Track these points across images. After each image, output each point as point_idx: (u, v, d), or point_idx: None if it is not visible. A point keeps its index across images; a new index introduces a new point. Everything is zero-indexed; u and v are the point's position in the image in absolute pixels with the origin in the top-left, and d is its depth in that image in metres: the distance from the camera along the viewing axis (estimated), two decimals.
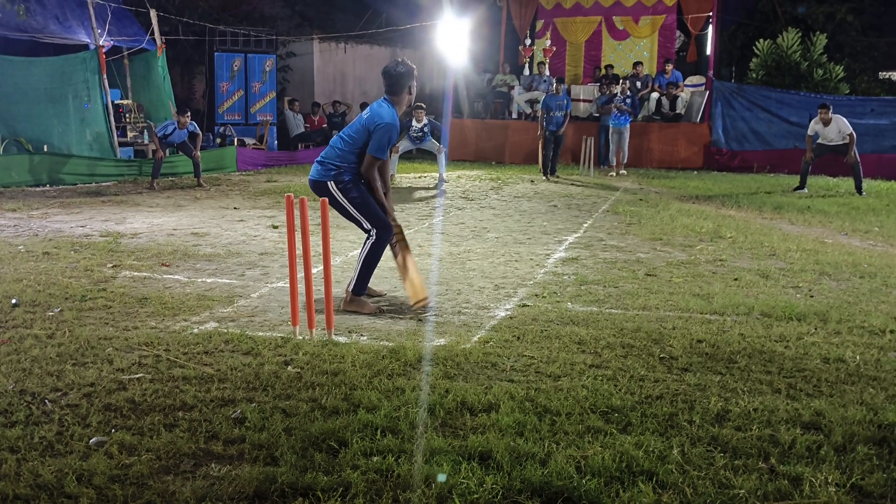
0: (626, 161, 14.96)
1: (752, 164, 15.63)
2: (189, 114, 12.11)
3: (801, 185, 12.17)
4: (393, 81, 4.86)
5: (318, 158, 4.97)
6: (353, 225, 4.99)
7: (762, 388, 3.51)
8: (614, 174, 14.59)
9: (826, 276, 5.94)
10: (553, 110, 13.73)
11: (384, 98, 4.90)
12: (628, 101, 15.00)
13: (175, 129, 11.90)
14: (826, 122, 11.90)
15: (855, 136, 11.88)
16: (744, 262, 6.52)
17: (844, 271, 6.11)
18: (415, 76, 4.92)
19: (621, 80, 15.57)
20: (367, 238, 4.89)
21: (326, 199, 4.40)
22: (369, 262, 4.86)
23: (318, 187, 4.91)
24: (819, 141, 12.11)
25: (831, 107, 12.05)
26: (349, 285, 4.92)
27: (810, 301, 5.13)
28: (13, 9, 12.58)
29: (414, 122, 12.61)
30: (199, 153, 12.26)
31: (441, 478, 2.51)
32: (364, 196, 4.88)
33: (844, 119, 12.01)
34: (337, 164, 4.87)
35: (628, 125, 14.91)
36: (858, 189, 11.73)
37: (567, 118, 13.96)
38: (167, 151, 12.22)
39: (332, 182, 4.86)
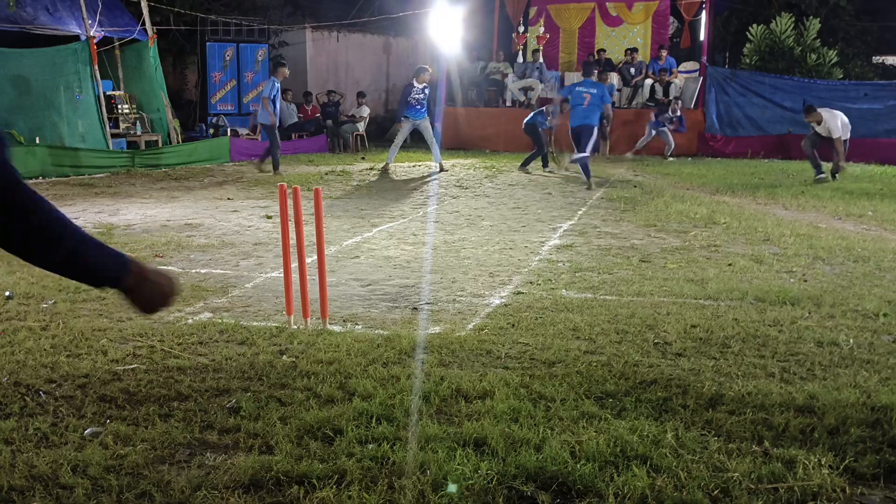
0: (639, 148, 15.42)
1: (747, 150, 15.62)
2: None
3: (819, 171, 11.45)
4: (592, 69, 11.15)
5: (588, 113, 10.72)
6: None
7: (756, 373, 3.52)
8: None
9: (820, 261, 5.96)
10: (539, 125, 13.45)
11: (587, 80, 11.00)
12: (677, 116, 15.19)
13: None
14: (818, 122, 11.26)
15: (842, 139, 11.18)
16: (738, 247, 6.54)
17: (838, 255, 6.12)
18: (602, 62, 9.90)
19: (672, 100, 15.64)
20: (583, 156, 10.67)
21: (319, 189, 4.34)
22: (585, 165, 10.69)
23: (587, 129, 10.69)
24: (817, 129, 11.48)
25: (816, 108, 11.37)
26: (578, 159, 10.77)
27: (804, 285, 5.15)
28: (3, 0, 12.48)
29: (415, 83, 12.46)
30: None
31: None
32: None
33: (838, 120, 11.23)
34: (600, 119, 10.95)
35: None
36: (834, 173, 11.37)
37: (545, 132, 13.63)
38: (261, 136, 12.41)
39: (597, 127, 11.01)
